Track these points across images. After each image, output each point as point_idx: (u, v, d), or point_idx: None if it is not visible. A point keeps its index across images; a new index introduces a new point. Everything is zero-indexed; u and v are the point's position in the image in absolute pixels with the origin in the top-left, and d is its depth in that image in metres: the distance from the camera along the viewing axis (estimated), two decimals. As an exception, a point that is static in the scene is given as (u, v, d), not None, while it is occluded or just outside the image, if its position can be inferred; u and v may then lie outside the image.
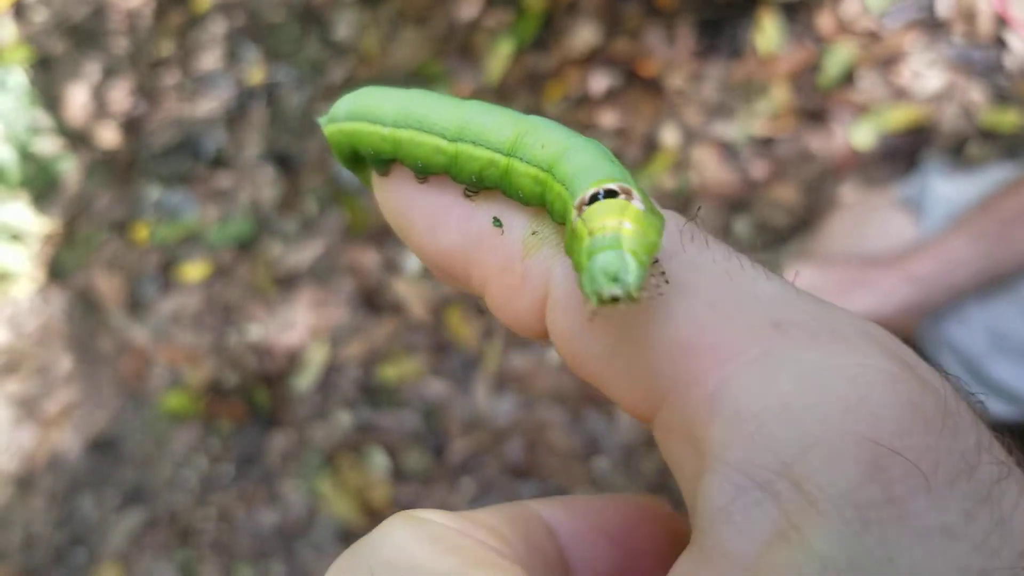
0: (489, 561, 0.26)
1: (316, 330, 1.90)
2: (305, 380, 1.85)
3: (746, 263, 0.28)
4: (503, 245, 0.31)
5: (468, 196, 0.32)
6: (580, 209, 0.28)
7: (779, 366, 0.25)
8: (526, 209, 0.32)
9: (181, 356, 1.94)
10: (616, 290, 0.25)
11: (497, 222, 0.32)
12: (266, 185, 2.09)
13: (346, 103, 0.36)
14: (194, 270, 2.03)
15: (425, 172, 0.33)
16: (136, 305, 2.03)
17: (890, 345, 0.27)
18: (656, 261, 0.27)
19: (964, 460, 0.24)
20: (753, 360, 0.26)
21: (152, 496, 1.83)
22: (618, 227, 0.26)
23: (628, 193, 0.28)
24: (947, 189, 1.23)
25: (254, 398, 1.86)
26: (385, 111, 0.34)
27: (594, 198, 0.28)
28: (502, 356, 1.74)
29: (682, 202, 1.76)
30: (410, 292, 1.87)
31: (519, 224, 0.31)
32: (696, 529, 0.26)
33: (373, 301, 1.90)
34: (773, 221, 1.70)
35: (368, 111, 0.35)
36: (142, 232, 2.10)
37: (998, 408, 1.22)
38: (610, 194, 0.28)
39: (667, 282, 0.27)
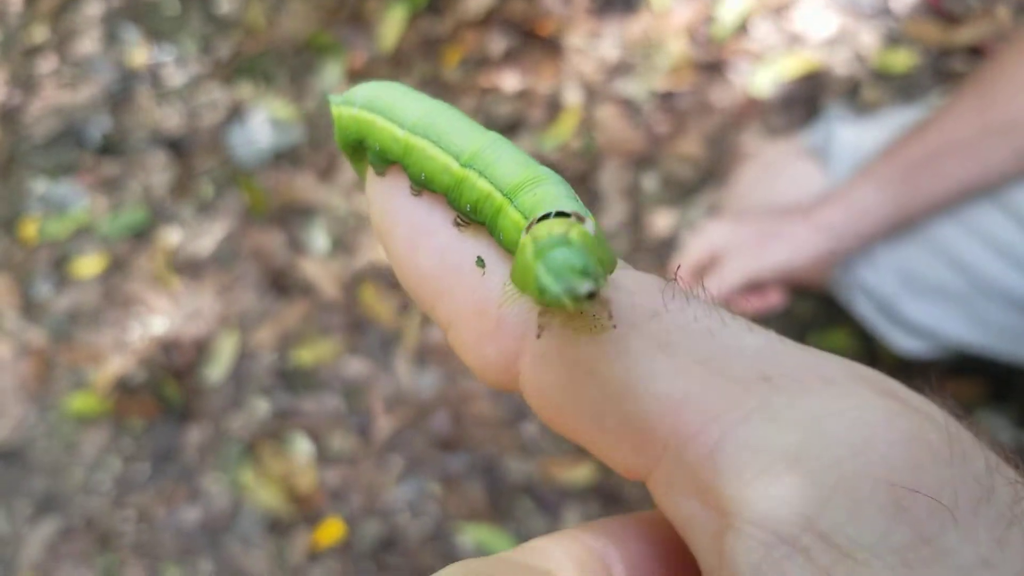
0: None
1: (224, 318, 1.84)
2: (217, 370, 1.80)
3: (728, 318, 0.28)
4: (481, 287, 0.29)
5: (458, 225, 0.31)
6: (528, 229, 0.26)
7: (778, 417, 0.25)
8: (510, 257, 0.30)
9: (83, 356, 1.86)
10: (588, 284, 0.23)
11: (481, 262, 0.30)
12: (157, 170, 2.01)
13: (367, 91, 0.34)
14: (89, 265, 1.94)
15: (426, 187, 0.31)
16: (30, 306, 1.94)
17: (880, 382, 0.27)
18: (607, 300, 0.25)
19: (980, 485, 0.24)
20: (750, 413, 0.26)
21: (65, 503, 1.76)
22: (565, 231, 0.24)
23: (581, 219, 0.26)
24: (851, 135, 1.25)
25: (164, 393, 1.79)
26: (407, 113, 0.32)
27: (544, 218, 0.26)
28: (421, 330, 1.71)
29: (589, 162, 1.75)
30: (319, 271, 1.82)
31: (502, 270, 0.30)
32: None
33: (281, 284, 1.85)
34: (679, 175, 1.71)
35: (389, 108, 0.33)
36: (30, 229, 2.00)
37: (912, 345, 1.25)
38: (562, 216, 0.26)
39: (614, 325, 0.26)
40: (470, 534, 1.55)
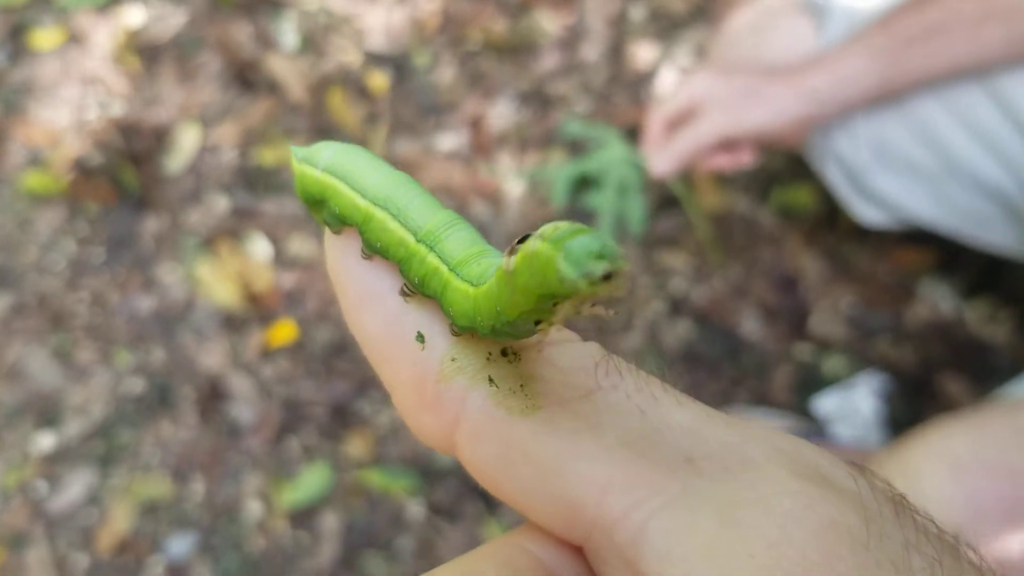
0: None
1: (185, 107, 1.79)
2: (176, 161, 1.76)
3: (658, 392, 0.29)
4: (420, 361, 0.31)
5: (404, 294, 0.32)
6: (512, 251, 0.26)
7: (697, 506, 0.26)
8: (451, 334, 0.31)
9: (39, 132, 1.81)
10: (607, 266, 0.22)
11: (420, 337, 0.31)
12: (121, -60, 1.89)
13: (330, 154, 0.34)
14: (47, 37, 1.86)
15: (380, 254, 0.32)
16: (-18, 73, 1.86)
17: (801, 458, 0.28)
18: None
19: (895, 568, 0.25)
20: (672, 500, 0.26)
21: (18, 280, 1.76)
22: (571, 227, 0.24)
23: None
24: (850, -4, 1.21)
25: (122, 179, 1.76)
26: (369, 184, 0.33)
27: (521, 240, 0.26)
28: (387, 142, 1.68)
29: (576, -16, 1.68)
30: (287, 70, 1.76)
31: (441, 345, 0.31)
32: None
33: (246, 78, 1.79)
34: (669, 8, 1.65)
35: (351, 175, 0.33)
36: (-18, -10, 1.90)
37: (874, 216, 1.26)
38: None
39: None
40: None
